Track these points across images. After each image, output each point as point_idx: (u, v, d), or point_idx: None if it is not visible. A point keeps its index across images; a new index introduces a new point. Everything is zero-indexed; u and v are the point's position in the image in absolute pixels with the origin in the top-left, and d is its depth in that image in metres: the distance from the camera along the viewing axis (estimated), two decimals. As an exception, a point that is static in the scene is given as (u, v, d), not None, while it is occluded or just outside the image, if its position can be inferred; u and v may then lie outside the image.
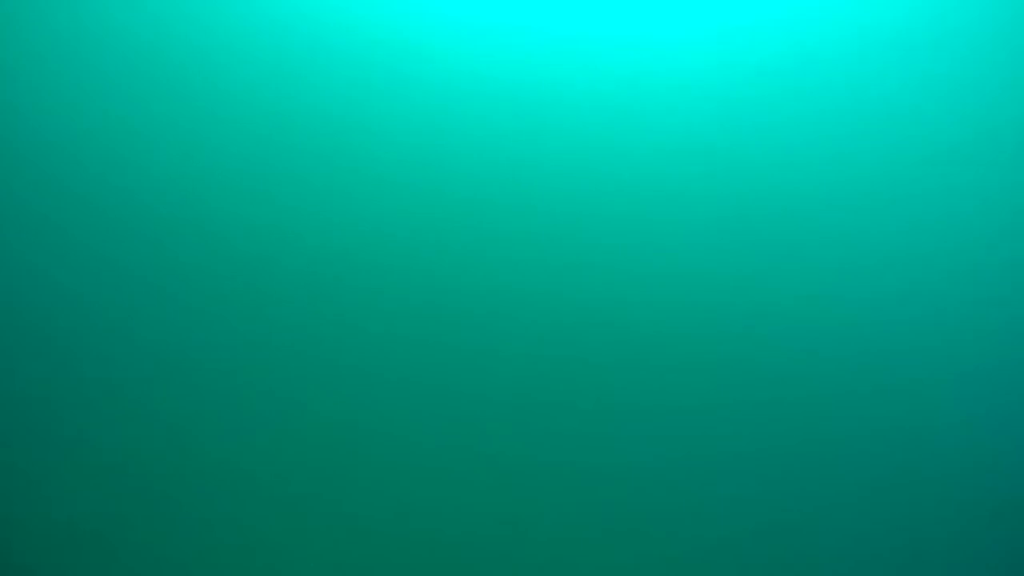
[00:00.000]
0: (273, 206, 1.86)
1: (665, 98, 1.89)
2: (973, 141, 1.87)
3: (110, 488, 1.79)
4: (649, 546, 1.77)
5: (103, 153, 1.88)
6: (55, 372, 1.82)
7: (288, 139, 1.88)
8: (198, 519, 1.78)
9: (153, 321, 1.83)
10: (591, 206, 1.86)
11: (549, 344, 1.83)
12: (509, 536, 1.78)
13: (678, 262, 1.84)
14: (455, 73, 1.89)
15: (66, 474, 1.79)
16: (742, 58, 1.89)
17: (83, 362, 1.82)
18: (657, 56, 1.89)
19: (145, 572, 1.77)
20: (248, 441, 1.80)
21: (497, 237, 1.85)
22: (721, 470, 1.79)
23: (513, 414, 1.81)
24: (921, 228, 1.85)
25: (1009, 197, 1.85)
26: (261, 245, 1.85)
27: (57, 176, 1.88)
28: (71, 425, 1.80)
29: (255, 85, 1.90)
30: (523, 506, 1.79)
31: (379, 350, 1.83)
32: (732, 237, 1.85)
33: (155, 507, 1.79)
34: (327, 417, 1.81)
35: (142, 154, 1.88)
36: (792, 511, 1.78)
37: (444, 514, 1.78)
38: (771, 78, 1.89)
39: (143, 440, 1.80)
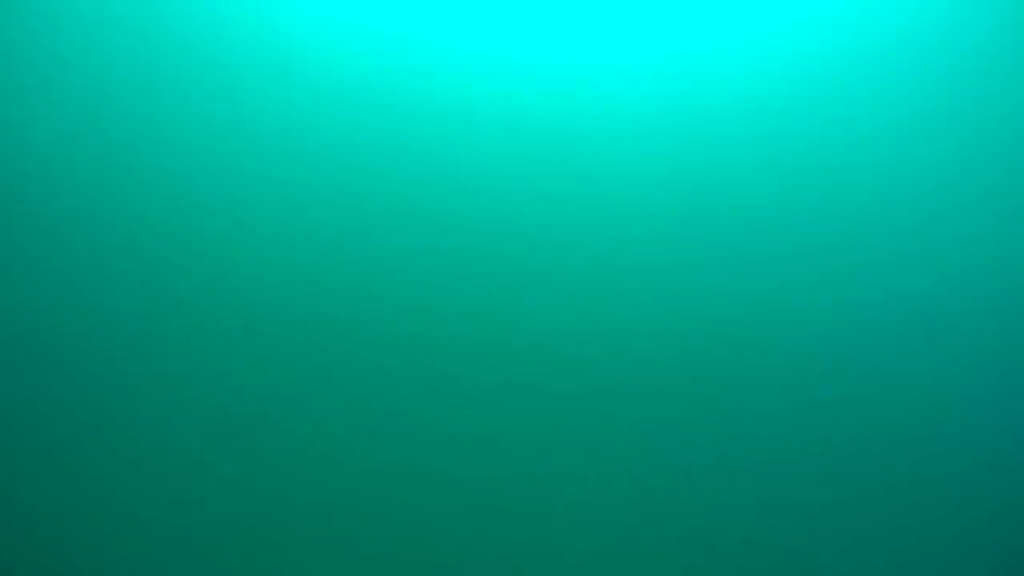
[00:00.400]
0: (258, 215, 1.88)
1: (658, 114, 1.91)
2: (978, 144, 1.90)
3: (96, 495, 1.80)
4: (649, 545, 1.80)
5: (61, 159, 1.89)
6: (40, 380, 1.83)
7: (270, 154, 1.90)
8: (186, 528, 1.79)
9: (134, 328, 1.84)
10: (587, 216, 1.89)
11: (546, 350, 1.85)
12: (509, 541, 1.80)
13: (678, 265, 1.87)
14: (449, 97, 1.92)
15: (51, 482, 1.80)
16: (738, 74, 1.92)
17: (67, 371, 1.83)
18: (646, 80, 1.92)
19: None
20: (238, 449, 1.81)
21: (496, 241, 1.88)
22: (721, 473, 1.82)
23: (512, 417, 1.83)
24: (923, 232, 1.88)
25: (1011, 201, 1.89)
26: (247, 252, 1.87)
27: (30, 182, 1.89)
28: (59, 433, 1.81)
29: (233, 101, 1.91)
30: (522, 513, 1.81)
31: (371, 356, 1.84)
32: (730, 244, 1.88)
33: (142, 516, 1.80)
34: (317, 426, 1.82)
35: (111, 158, 1.90)
36: (792, 511, 1.81)
37: (440, 528, 1.80)
38: (764, 96, 1.92)
39: (130, 448, 1.81)
